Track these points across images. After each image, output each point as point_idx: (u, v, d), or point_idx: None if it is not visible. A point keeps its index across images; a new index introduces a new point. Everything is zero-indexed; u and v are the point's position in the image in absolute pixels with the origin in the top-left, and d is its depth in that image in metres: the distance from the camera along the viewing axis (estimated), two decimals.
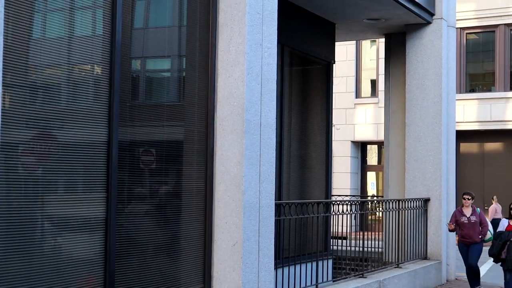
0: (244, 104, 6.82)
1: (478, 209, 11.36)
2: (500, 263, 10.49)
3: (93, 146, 5.81)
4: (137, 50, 6.62)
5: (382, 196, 13.77)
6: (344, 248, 11.66)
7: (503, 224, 10.44)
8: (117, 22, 5.97)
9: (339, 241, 11.78)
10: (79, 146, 5.69)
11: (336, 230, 10.45)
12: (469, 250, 11.13)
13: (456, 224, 11.15)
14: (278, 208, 7.94)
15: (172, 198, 7.00)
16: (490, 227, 11.12)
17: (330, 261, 10.83)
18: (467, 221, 11.05)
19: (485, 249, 11.03)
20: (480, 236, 11.03)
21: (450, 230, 11.33)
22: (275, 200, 7.67)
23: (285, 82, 10.64)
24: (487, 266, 15.36)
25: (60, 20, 5.64)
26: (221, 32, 7.06)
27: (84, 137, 5.75)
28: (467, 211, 11.17)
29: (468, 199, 11.21)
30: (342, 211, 9.39)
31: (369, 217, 12.00)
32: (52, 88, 5.55)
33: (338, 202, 9.58)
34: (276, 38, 7.39)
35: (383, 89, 13.88)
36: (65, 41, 5.69)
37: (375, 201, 11.93)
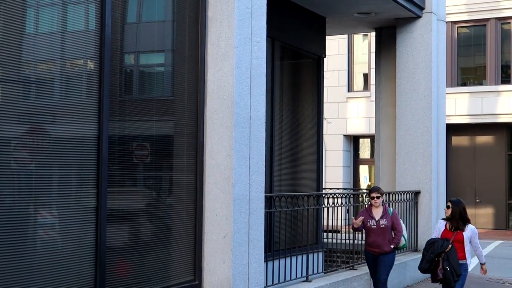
0: (233, 98, 6.87)
1: (391, 209, 9.09)
2: (439, 282, 8.46)
3: (83, 141, 5.85)
4: (127, 45, 6.66)
5: None
6: (336, 241, 11.72)
7: (439, 228, 8.36)
8: (106, 17, 6.00)
9: (332, 234, 11.85)
10: (69, 141, 5.73)
11: (329, 223, 10.50)
12: (377, 262, 8.75)
13: (363, 228, 8.93)
14: (269, 200, 8.00)
15: (162, 192, 7.05)
16: (405, 231, 8.95)
17: (321, 254, 10.91)
18: (375, 226, 8.68)
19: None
20: (392, 246, 8.71)
21: (354, 229, 8.99)
22: (266, 193, 7.74)
23: (276, 76, 10.69)
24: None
25: (49, 15, 5.67)
26: (210, 26, 7.10)
27: (74, 132, 5.79)
28: (377, 212, 8.79)
29: (377, 197, 8.75)
30: (333, 203, 9.46)
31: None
32: (41, 83, 5.58)
33: (329, 195, 9.65)
34: (266, 32, 7.44)
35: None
36: (55, 36, 5.72)
37: (366, 194, 11.97)
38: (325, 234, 11.62)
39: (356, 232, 9.75)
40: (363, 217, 8.72)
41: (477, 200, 23.03)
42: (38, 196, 5.47)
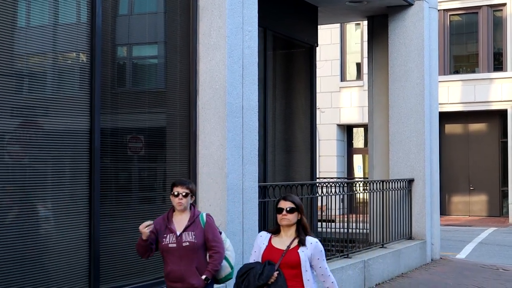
0: (226, 88, 6.86)
1: (204, 214, 5.44)
2: None
3: (75, 134, 5.84)
4: (118, 37, 6.63)
5: (367, 178, 13.87)
6: (331, 230, 11.74)
7: (259, 245, 5.10)
8: (97, 8, 5.98)
9: (327, 223, 11.87)
10: (61, 134, 5.72)
11: (324, 213, 10.51)
12: None
13: (162, 249, 5.34)
14: (263, 190, 8.00)
15: (155, 182, 7.05)
16: (231, 251, 5.50)
17: None
18: (175, 244, 5.27)
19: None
20: (204, 276, 5.28)
21: (141, 250, 5.36)
22: (260, 183, 7.74)
23: (268, 66, 10.67)
24: (471, 245, 15.57)
25: (39, 6, 5.64)
26: (201, 16, 7.08)
27: (66, 125, 5.78)
28: (180, 221, 5.37)
29: (184, 195, 5.32)
30: (327, 192, 9.47)
31: (356, 200, 12.04)
32: (31, 76, 5.56)
33: (322, 184, 9.66)
34: (257, 22, 7.43)
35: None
36: (45, 28, 5.69)
37: (359, 182, 11.98)
38: (321, 223, 11.65)
39: (353, 222, 9.33)
40: (150, 225, 5.23)
41: (471, 188, 23.10)
42: (31, 188, 5.45)
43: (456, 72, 23.43)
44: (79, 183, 5.85)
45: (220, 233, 5.49)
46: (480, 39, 22.78)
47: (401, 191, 11.65)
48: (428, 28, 12.18)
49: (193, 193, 5.43)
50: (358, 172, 24.34)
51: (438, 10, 14.19)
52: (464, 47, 23.79)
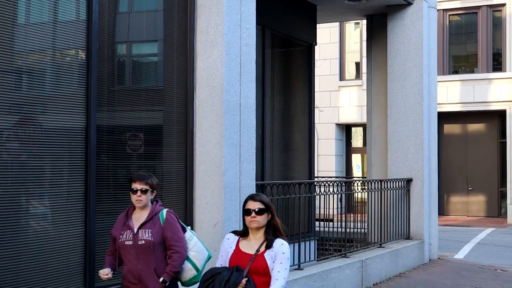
0: (223, 85, 6.82)
1: (165, 211, 5.04)
2: None
3: (71, 131, 5.80)
4: (115, 34, 6.59)
5: (366, 178, 13.83)
6: (329, 229, 11.71)
7: (226, 248, 4.67)
8: (93, 6, 5.94)
9: (325, 223, 11.84)
10: (57, 131, 5.68)
11: (322, 212, 10.47)
12: None
13: (118, 246, 5.00)
14: (261, 188, 7.96)
15: None
16: (197, 252, 5.02)
17: (314, 242, 10.89)
18: (131, 241, 4.92)
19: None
20: (161, 278, 4.84)
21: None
22: (258, 181, 7.70)
23: (266, 64, 10.63)
24: (470, 245, 15.54)
25: (36, 3, 5.59)
26: (199, 13, 7.04)
27: (62, 122, 5.74)
28: (139, 218, 5.01)
29: (143, 191, 4.96)
30: (325, 191, 9.43)
31: (354, 199, 12.00)
32: (28, 73, 5.52)
33: (321, 183, 9.62)
34: (255, 19, 7.38)
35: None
36: (41, 25, 5.65)
37: (357, 182, 11.94)
38: (319, 223, 11.62)
39: (351, 222, 9.42)
40: (108, 274, 4.92)
41: (469, 188, 23.07)
42: (26, 185, 5.41)
43: (455, 72, 23.41)
44: (75, 180, 5.81)
45: (184, 231, 5.03)
46: (479, 39, 22.76)
47: (399, 190, 11.62)
48: (427, 28, 12.15)
49: (153, 188, 5.02)
50: (357, 172, 24.32)
51: (438, 10, 14.17)
52: (463, 47, 23.77)
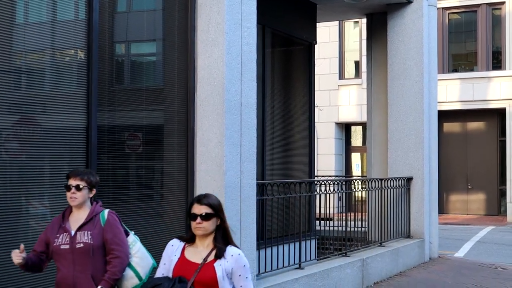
0: (224, 84, 6.81)
1: (106, 211, 4.56)
2: None
3: (72, 131, 5.79)
4: (116, 33, 6.58)
5: (366, 177, 13.83)
6: (329, 228, 11.69)
7: (170, 256, 4.04)
8: (94, 5, 5.92)
9: (325, 222, 11.83)
10: (58, 130, 5.67)
11: (322, 211, 10.47)
12: None
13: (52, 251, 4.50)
14: (261, 188, 7.95)
15: (153, 180, 7.00)
16: (141, 258, 4.56)
17: (314, 241, 10.89)
18: (68, 245, 4.45)
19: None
20: (99, 286, 4.38)
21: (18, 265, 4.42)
22: (258, 180, 7.69)
23: (267, 63, 10.62)
24: (469, 244, 15.55)
25: (36, 2, 5.58)
26: (200, 12, 7.03)
27: (63, 122, 5.73)
28: (76, 220, 4.54)
29: (78, 187, 4.51)
30: (325, 190, 9.42)
31: (354, 198, 11.98)
32: (29, 73, 5.51)
33: (321, 182, 9.62)
34: (256, 18, 7.37)
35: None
36: (42, 24, 5.64)
37: (358, 180, 11.93)
38: (319, 222, 11.62)
39: (351, 220, 9.45)
40: (20, 255, 4.36)
41: (469, 186, 23.08)
42: (27, 185, 5.40)
43: (455, 70, 23.40)
44: None
45: (127, 234, 4.56)
46: (479, 38, 22.76)
47: (400, 189, 11.61)
48: (427, 26, 12.14)
49: (91, 185, 4.52)
50: (356, 171, 24.31)
51: (437, 8, 14.15)
52: (463, 46, 23.76)
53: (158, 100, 7.02)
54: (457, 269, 11.26)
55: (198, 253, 3.95)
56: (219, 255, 3.91)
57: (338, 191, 9.98)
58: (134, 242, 4.56)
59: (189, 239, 4.00)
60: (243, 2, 7.12)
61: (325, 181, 9.74)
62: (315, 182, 9.66)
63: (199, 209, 3.92)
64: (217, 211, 3.97)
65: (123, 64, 6.76)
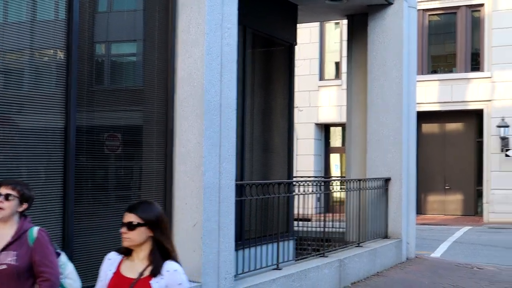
0: (203, 85, 6.80)
1: (35, 229, 4.11)
2: None
3: (50, 131, 5.75)
4: (95, 33, 6.54)
5: (345, 177, 13.90)
6: (308, 229, 11.74)
7: (105, 271, 3.66)
8: (74, 5, 5.89)
9: (303, 222, 11.87)
10: (36, 131, 5.63)
11: (301, 212, 10.50)
12: None
13: None
14: (240, 188, 7.96)
15: (131, 180, 6.98)
16: (74, 280, 4.28)
17: (292, 242, 10.93)
18: None
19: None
20: None
21: None
22: (237, 181, 7.69)
23: (247, 64, 10.62)
24: (446, 244, 15.68)
25: (16, 2, 5.53)
26: (181, 13, 7.01)
27: (41, 122, 5.69)
28: (0, 237, 4.05)
29: (7, 197, 4.06)
30: (304, 191, 9.46)
31: (333, 199, 12.03)
32: (7, 73, 5.46)
33: (300, 183, 9.65)
34: (237, 19, 7.37)
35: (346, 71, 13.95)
36: (20, 24, 5.59)
37: (336, 181, 11.99)
38: (297, 222, 11.65)
39: (329, 221, 9.56)
40: None
41: (447, 187, 23.28)
42: None
43: (434, 72, 23.59)
44: (53, 181, 5.76)
45: (58, 255, 4.20)
46: (458, 39, 22.96)
47: (378, 190, 11.68)
48: (407, 28, 12.22)
49: (24, 198, 4.08)
50: (335, 171, 24.41)
51: (417, 10, 14.24)
52: (442, 47, 23.96)
53: (137, 101, 6.99)
54: (434, 269, 11.36)
55: (134, 267, 3.57)
56: (156, 271, 3.50)
57: (316, 192, 10.02)
58: (65, 264, 4.26)
59: (127, 251, 3.61)
60: (224, 2, 7.12)
61: (303, 182, 9.78)
62: (294, 183, 9.70)
63: (127, 217, 3.55)
64: (148, 222, 3.52)
65: (102, 65, 6.73)
